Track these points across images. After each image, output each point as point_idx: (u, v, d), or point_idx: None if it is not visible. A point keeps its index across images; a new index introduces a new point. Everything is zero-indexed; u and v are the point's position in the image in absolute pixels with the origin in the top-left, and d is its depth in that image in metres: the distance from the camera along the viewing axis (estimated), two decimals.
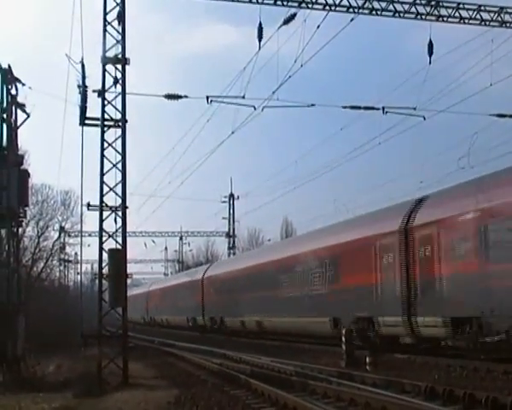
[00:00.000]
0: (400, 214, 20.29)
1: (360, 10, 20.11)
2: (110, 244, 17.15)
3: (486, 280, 16.28)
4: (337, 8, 19.97)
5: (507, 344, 15.54)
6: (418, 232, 19.20)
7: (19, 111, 19.42)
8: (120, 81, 17.05)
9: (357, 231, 23.15)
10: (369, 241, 21.44)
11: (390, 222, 20.88)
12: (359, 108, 23.67)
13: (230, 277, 38.43)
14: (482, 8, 21.05)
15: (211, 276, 42.93)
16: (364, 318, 21.66)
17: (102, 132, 17.14)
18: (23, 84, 19.12)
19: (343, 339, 18.64)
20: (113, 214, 17.15)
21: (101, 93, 17.09)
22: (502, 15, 21.16)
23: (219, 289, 40.12)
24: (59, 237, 51.59)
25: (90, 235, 47.14)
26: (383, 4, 20.32)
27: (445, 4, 20.76)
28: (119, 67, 17.05)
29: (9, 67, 18.84)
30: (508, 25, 21.30)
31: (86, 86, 17.80)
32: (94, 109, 17.70)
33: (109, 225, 17.20)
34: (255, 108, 21.73)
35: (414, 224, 19.49)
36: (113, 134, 17.14)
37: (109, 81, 17.13)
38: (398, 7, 20.44)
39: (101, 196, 17.05)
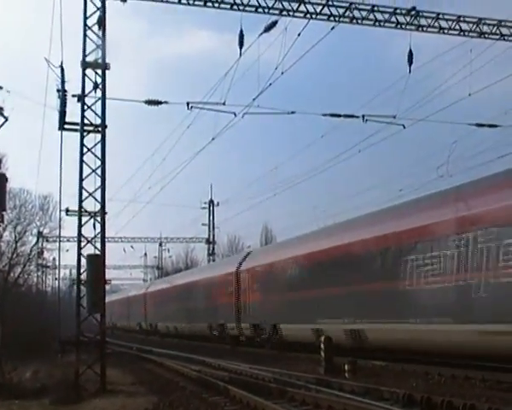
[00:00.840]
0: (237, 262, 34.33)
1: (341, 19, 20.20)
2: (89, 250, 17.07)
3: (265, 304, 29.40)
4: (318, 17, 20.04)
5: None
6: (242, 274, 32.69)
7: None
8: (100, 86, 16.99)
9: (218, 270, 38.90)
10: (226, 276, 35.03)
11: (232, 266, 34.61)
12: (339, 115, 23.75)
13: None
14: (461, 18, 21.24)
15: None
16: (221, 324, 34.96)
17: (82, 137, 17.04)
18: (1, 88, 18.98)
19: (322, 346, 18.66)
20: (92, 220, 17.06)
21: (81, 98, 17.00)
22: (480, 26, 21.38)
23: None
24: (37, 242, 51.13)
25: (68, 240, 46.82)
26: (364, 13, 20.42)
27: (424, 14, 20.93)
28: (99, 71, 16.99)
29: None
30: (486, 36, 21.52)
31: (66, 91, 17.71)
32: (73, 114, 17.63)
33: (88, 231, 17.14)
34: (235, 115, 21.72)
35: (240, 269, 33.07)
36: (92, 139, 17.07)
37: (89, 86, 17.07)
38: (379, 16, 20.56)
39: (80, 201, 16.95)
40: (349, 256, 21.85)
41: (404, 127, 23.21)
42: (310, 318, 24.06)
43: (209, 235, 58.15)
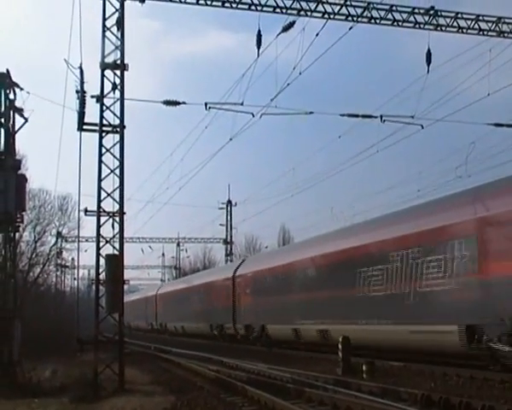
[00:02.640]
0: (233, 268, 37.52)
1: (359, 19, 20.17)
2: (107, 250, 17.17)
3: (255, 307, 32.69)
4: (336, 17, 20.03)
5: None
6: (237, 279, 35.81)
7: (17, 116, 19.43)
8: (119, 87, 17.09)
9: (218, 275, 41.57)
10: (224, 281, 38.11)
11: (230, 272, 37.67)
12: (357, 116, 23.72)
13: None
14: (480, 17, 21.11)
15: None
16: (221, 324, 37.88)
17: (100, 138, 17.15)
18: (21, 89, 19.13)
19: (339, 346, 18.62)
20: (111, 220, 17.16)
21: (100, 99, 17.12)
22: (500, 25, 21.23)
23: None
24: (56, 242, 51.57)
25: (87, 240, 47.03)
26: (382, 13, 20.38)
27: (443, 14, 20.84)
28: (118, 72, 17.09)
29: (7, 71, 18.86)
30: (505, 35, 21.36)
31: (85, 92, 17.82)
32: (92, 115, 17.75)
33: (107, 231, 17.23)
34: (253, 115, 21.76)
35: (235, 275, 36.18)
36: (111, 140, 17.19)
37: (108, 87, 17.18)
38: (397, 16, 20.51)
39: (99, 201, 17.05)
40: (317, 268, 26.10)
41: (423, 127, 23.13)
42: (290, 319, 27.88)
43: (226, 235, 58.24)
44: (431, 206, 20.32)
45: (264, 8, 19.71)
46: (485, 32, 21.22)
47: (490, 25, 21.20)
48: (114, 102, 17.13)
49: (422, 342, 18.75)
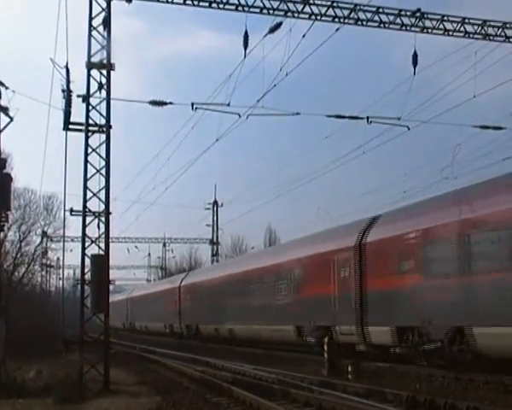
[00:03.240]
0: (180, 279, 45.51)
1: (346, 20, 20.23)
2: (93, 250, 17.10)
3: (193, 311, 40.40)
4: (323, 18, 20.07)
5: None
6: (182, 288, 44.53)
7: (2, 115, 19.28)
8: (105, 86, 17.03)
9: (168, 284, 51.45)
10: (173, 289, 47.28)
11: (177, 282, 46.88)
12: (344, 117, 23.76)
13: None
14: (466, 20, 21.25)
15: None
16: (171, 324, 42.25)
17: (86, 138, 17.08)
18: (6, 88, 18.95)
19: (325, 348, 18.66)
20: (97, 220, 17.09)
21: (86, 98, 17.04)
22: (485, 28, 21.39)
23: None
24: (41, 241, 51.23)
25: (72, 240, 46.67)
26: (368, 15, 20.45)
27: (429, 16, 20.95)
28: (104, 72, 17.03)
29: None
30: (491, 38, 21.52)
31: (71, 91, 17.75)
32: (78, 114, 17.68)
33: (92, 231, 17.16)
34: (240, 116, 21.74)
35: (181, 285, 44.68)
36: (97, 139, 17.12)
37: (94, 86, 17.11)
38: (384, 18, 20.59)
39: (85, 201, 16.98)
40: (230, 283, 34.87)
41: (409, 129, 23.22)
42: (213, 321, 36.71)
43: (213, 236, 58.27)
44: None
45: (251, 9, 19.73)
46: (471, 35, 21.37)
47: (475, 27, 21.36)
48: (100, 102, 17.06)
49: (277, 337, 28.27)
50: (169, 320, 48.08)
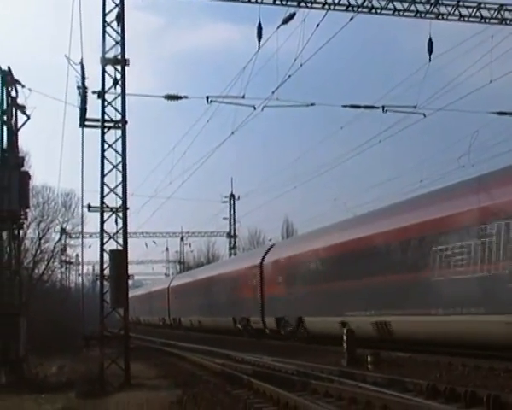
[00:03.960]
0: (168, 281, 53.95)
1: (359, 9, 20.14)
2: (111, 245, 17.19)
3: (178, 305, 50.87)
4: (336, 7, 19.98)
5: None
6: (170, 289, 52.64)
7: (19, 113, 19.43)
8: (120, 82, 17.07)
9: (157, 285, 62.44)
10: (163, 290, 56.02)
11: (166, 284, 56.50)
12: (359, 106, 23.70)
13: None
14: (482, 5, 21.05)
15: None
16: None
17: (102, 134, 17.15)
18: (23, 86, 19.11)
19: (344, 338, 18.63)
20: (114, 215, 17.17)
21: (101, 94, 17.10)
22: (502, 13, 21.17)
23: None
24: (60, 238, 51.52)
25: (91, 236, 47.12)
26: (382, 3, 20.33)
27: (444, 2, 20.77)
28: (119, 67, 17.07)
29: (9, 68, 18.85)
30: (507, 22, 21.30)
31: (86, 87, 17.80)
32: (94, 111, 17.74)
33: (110, 227, 17.24)
34: (255, 108, 21.76)
35: (170, 286, 53.13)
36: (113, 135, 17.18)
37: (109, 82, 17.17)
38: (398, 5, 20.45)
39: (102, 197, 17.06)
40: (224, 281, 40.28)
41: (425, 116, 23.07)
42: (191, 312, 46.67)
43: (230, 229, 58.30)
44: None
45: (265, 1, 19.68)
46: (487, 20, 21.17)
47: (492, 12, 21.15)
48: (116, 98, 17.11)
49: (222, 326, 39.43)
50: (162, 314, 48.74)
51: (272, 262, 31.37)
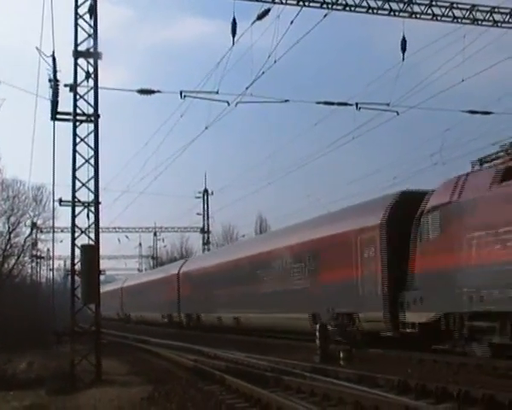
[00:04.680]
0: (122, 281, 64.03)
1: (334, 6, 20.16)
2: (83, 240, 17.00)
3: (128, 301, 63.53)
4: (311, 4, 19.98)
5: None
6: (123, 289, 64.50)
7: None
8: (92, 75, 16.89)
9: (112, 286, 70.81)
10: (117, 290, 66.34)
11: (120, 284, 67.71)
12: (333, 103, 23.71)
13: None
14: (454, 5, 21.22)
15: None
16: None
17: (74, 127, 16.95)
18: None
19: (317, 334, 18.70)
20: (86, 210, 17.00)
21: (73, 87, 16.90)
22: (473, 13, 21.38)
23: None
24: (31, 233, 50.97)
25: (62, 231, 46.57)
26: (357, 0, 20.38)
27: (418, 1, 20.90)
28: (91, 61, 16.89)
29: None
30: (479, 22, 21.52)
31: (58, 80, 17.63)
32: (66, 104, 17.55)
33: (82, 221, 17.07)
34: (229, 104, 21.67)
35: (122, 286, 65.49)
36: (85, 129, 16.99)
37: (81, 75, 16.97)
38: (372, 3, 20.53)
39: (74, 191, 16.88)
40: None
41: (398, 114, 23.20)
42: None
43: (204, 224, 58.19)
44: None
45: None
46: (459, 20, 21.35)
47: (464, 12, 21.34)
48: (88, 91, 16.91)
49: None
50: (114, 311, 58.68)
51: (184, 273, 42.78)
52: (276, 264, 28.02)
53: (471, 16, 21.38)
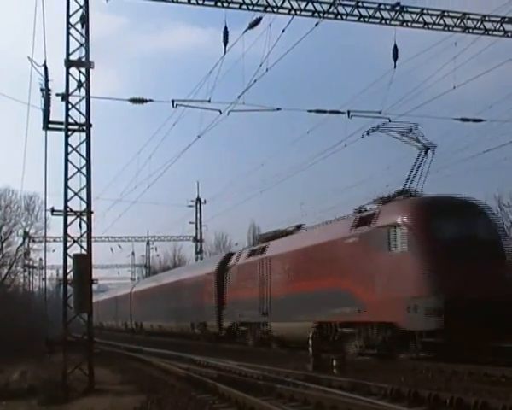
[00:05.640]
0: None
1: (325, 15, 20.25)
2: (75, 250, 16.96)
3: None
4: (302, 13, 20.07)
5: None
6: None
7: None
8: (84, 85, 16.88)
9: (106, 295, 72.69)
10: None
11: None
12: (325, 111, 23.75)
13: None
14: (445, 13, 21.36)
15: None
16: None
17: (66, 137, 16.93)
18: None
19: (310, 342, 18.67)
20: (78, 219, 16.97)
21: (65, 97, 16.88)
22: (464, 21, 21.51)
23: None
24: (23, 242, 50.94)
25: (54, 240, 46.47)
26: (348, 9, 20.49)
27: (409, 10, 21.04)
28: (83, 70, 16.89)
29: None
30: (470, 30, 21.65)
31: (49, 90, 17.58)
32: (58, 113, 17.52)
33: (74, 230, 17.03)
34: (221, 113, 21.70)
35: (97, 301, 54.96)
36: (77, 138, 16.96)
37: (73, 85, 16.96)
38: (363, 12, 20.63)
39: (66, 200, 16.84)
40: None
41: (390, 121, 23.25)
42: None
43: (196, 233, 58.11)
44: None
45: (231, 5, 19.69)
46: (451, 28, 21.49)
47: (455, 20, 21.48)
48: (80, 101, 16.91)
49: None
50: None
51: (134, 292, 56.01)
52: (175, 291, 42.57)
53: (462, 24, 21.51)
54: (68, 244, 16.87)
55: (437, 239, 18.41)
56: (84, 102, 16.87)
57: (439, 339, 17.23)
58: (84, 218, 16.90)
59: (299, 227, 28.14)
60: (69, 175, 16.82)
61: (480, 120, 24.70)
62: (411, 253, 18.40)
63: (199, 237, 58.30)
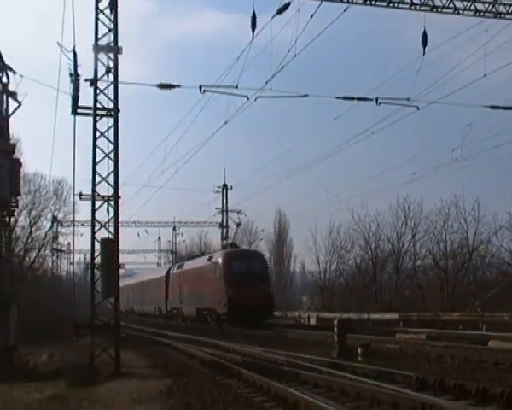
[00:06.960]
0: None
1: (354, 0, 20.03)
2: (103, 234, 17.13)
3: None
4: None
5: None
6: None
7: (10, 99, 19.32)
8: (112, 70, 16.97)
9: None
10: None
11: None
12: (352, 98, 23.60)
13: None
14: None
15: None
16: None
17: (95, 122, 17.05)
18: (14, 73, 19.02)
19: (335, 330, 18.65)
20: (106, 204, 17.11)
21: (94, 82, 16.99)
22: (496, 6, 21.10)
23: None
24: (51, 226, 51.55)
25: (82, 225, 47.01)
26: None
27: None
28: (112, 55, 16.96)
29: (0, 54, 18.72)
30: (502, 16, 21.25)
31: (78, 75, 17.69)
32: (86, 98, 17.64)
33: (102, 215, 17.18)
34: (248, 98, 21.67)
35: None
36: (105, 123, 17.09)
37: (101, 70, 17.06)
38: None
39: (94, 185, 16.99)
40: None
41: (418, 109, 23.04)
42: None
43: (222, 219, 58.19)
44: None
45: None
46: (482, 14, 21.09)
47: (486, 6, 21.08)
48: (108, 86, 17.02)
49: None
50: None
51: (128, 284, 65.00)
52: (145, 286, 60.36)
53: (494, 10, 21.11)
54: (96, 229, 17.03)
55: (231, 271, 36.27)
56: (112, 87, 16.97)
57: (226, 317, 35.45)
58: (112, 203, 17.04)
59: (202, 254, 51.49)
60: (97, 160, 16.96)
61: (511, 108, 24.34)
62: (221, 277, 36.59)
63: (225, 224, 58.36)
